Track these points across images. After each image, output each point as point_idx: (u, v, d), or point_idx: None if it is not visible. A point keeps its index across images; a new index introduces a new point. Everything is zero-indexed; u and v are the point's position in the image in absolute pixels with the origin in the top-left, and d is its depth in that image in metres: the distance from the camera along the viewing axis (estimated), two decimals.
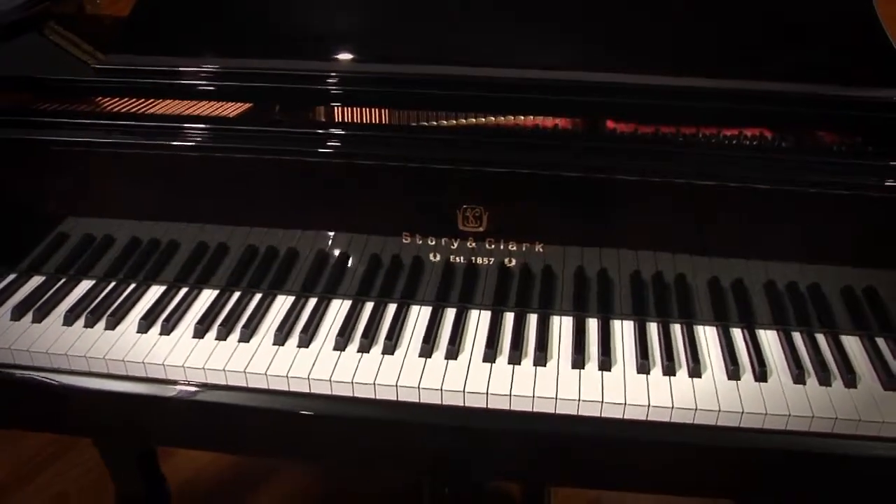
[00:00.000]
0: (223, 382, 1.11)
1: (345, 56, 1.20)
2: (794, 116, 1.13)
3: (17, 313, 1.20)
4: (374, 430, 1.10)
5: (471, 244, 1.15)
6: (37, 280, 1.28)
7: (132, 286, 1.25)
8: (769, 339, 1.15)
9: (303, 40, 1.22)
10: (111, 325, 1.18)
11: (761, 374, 1.07)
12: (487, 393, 1.06)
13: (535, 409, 1.06)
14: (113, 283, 1.26)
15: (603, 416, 1.05)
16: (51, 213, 1.25)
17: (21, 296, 1.24)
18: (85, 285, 1.26)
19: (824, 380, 1.07)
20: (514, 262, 1.16)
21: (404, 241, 1.16)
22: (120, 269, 1.26)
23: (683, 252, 1.13)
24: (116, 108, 1.20)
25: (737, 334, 1.15)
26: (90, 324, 1.18)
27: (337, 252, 1.19)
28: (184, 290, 1.24)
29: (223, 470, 2.00)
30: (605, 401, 1.04)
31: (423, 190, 1.13)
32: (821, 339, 1.14)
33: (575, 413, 1.05)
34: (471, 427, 1.07)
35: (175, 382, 1.11)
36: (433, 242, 1.16)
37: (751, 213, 1.09)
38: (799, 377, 1.07)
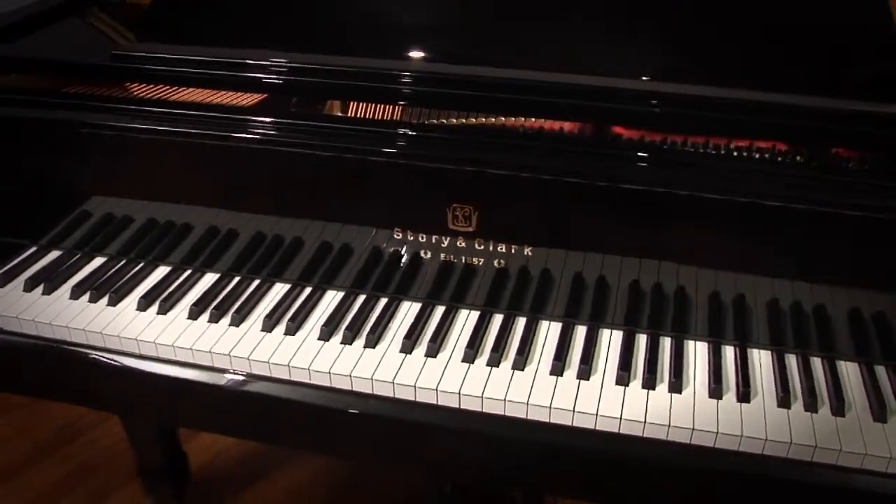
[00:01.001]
0: (208, 364, 1.14)
1: (348, 52, 1.21)
2: (804, 130, 1.08)
3: (30, 285, 1.26)
4: (350, 421, 1.11)
5: (461, 243, 1.15)
6: (54, 254, 1.34)
7: (140, 265, 1.30)
8: (761, 360, 1.11)
9: (305, 34, 1.24)
10: (113, 302, 1.22)
11: (744, 395, 1.04)
12: (460, 393, 1.06)
13: (506, 413, 1.05)
14: (123, 262, 1.31)
15: (574, 425, 1.03)
16: (76, 192, 1.30)
17: (36, 268, 1.30)
18: (97, 262, 1.32)
19: (810, 405, 1.02)
20: (503, 263, 1.15)
21: (396, 236, 1.17)
22: (132, 249, 1.31)
23: (683, 263, 1.10)
24: (136, 94, 1.25)
25: (728, 352, 1.12)
26: (94, 299, 1.23)
27: (333, 243, 1.20)
28: (187, 273, 1.28)
29: (244, 452, 2.05)
30: (576, 410, 1.02)
31: (414, 186, 1.13)
32: (816, 363, 1.10)
33: (546, 420, 1.04)
34: (445, 426, 1.07)
35: (164, 360, 1.15)
36: (424, 240, 1.16)
37: (759, 230, 1.05)
38: (784, 401, 1.03)
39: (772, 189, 1.03)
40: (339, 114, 1.19)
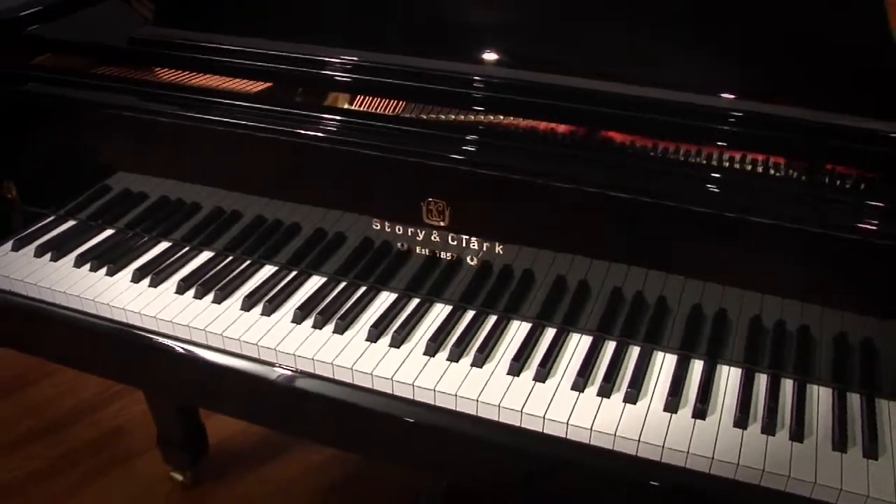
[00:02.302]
0: (186, 337, 1.18)
1: (347, 44, 1.23)
2: (787, 143, 1.03)
3: (41, 251, 1.33)
4: (309, 402, 1.13)
5: (435, 237, 1.16)
6: (69, 224, 1.41)
7: (144, 240, 1.36)
8: (729, 377, 1.07)
9: (302, 26, 1.27)
10: (111, 272, 1.29)
11: (699, 411, 1.01)
12: (413, 385, 1.06)
13: (457, 409, 1.05)
14: (129, 235, 1.38)
15: (522, 426, 1.02)
16: (102, 167, 1.37)
17: (50, 236, 1.38)
18: (105, 234, 1.39)
19: (768, 427, 0.98)
20: (475, 260, 1.15)
21: (374, 226, 1.19)
22: (140, 223, 1.38)
23: (669, 272, 1.06)
24: (155, 78, 1.30)
25: (696, 366, 1.09)
26: (95, 268, 1.30)
27: (321, 230, 1.23)
28: (185, 249, 1.34)
29: (263, 433, 2.11)
30: (524, 411, 1.02)
31: (390, 179, 1.15)
32: (787, 384, 1.05)
33: (495, 419, 1.04)
34: (399, 417, 1.08)
35: (146, 331, 1.21)
36: (400, 231, 1.17)
37: (751, 244, 1.01)
38: (740, 421, 0.99)
39: (761, 204, 0.99)
40: (327, 105, 1.21)
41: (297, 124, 1.18)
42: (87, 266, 1.30)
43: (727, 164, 1.03)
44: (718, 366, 1.09)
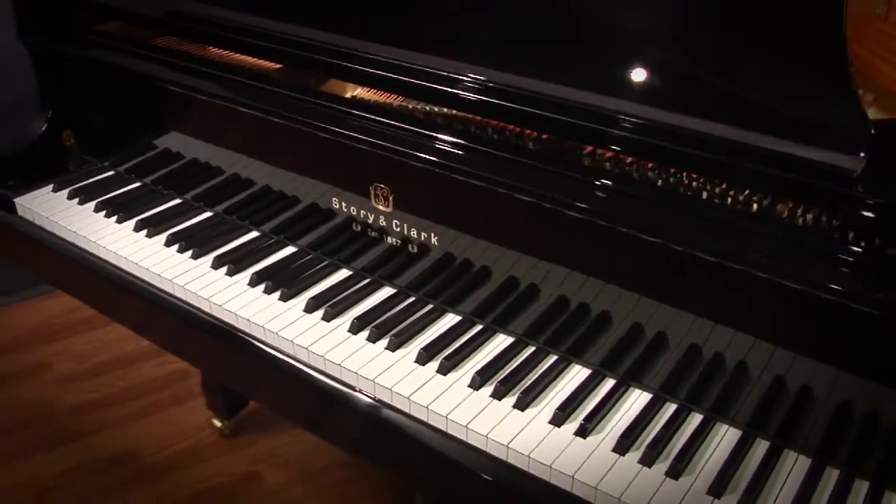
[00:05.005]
0: (157, 284, 1.29)
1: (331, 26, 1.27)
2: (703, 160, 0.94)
3: (73, 194, 1.49)
4: (240, 357, 1.21)
5: (382, 222, 1.18)
6: (108, 173, 1.57)
7: (159, 195, 1.49)
8: (636, 402, 1.02)
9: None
10: (121, 220, 1.42)
11: (581, 429, 0.97)
12: (324, 357, 1.10)
13: (359, 386, 1.07)
14: (149, 189, 1.51)
15: (409, 412, 1.03)
16: (158, 127, 1.49)
17: (86, 182, 1.54)
18: (131, 186, 1.53)
19: (646, 458, 0.93)
20: (415, 249, 1.17)
21: (334, 205, 1.23)
22: (164, 181, 1.50)
23: (617, 286, 1.02)
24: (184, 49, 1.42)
25: (605, 384, 1.04)
26: (108, 215, 1.43)
27: (311, 204, 1.28)
28: (190, 208, 1.45)
29: None
30: (411, 399, 1.02)
31: (343, 160, 1.18)
32: (694, 418, 0.99)
33: (388, 401, 1.05)
34: (302, 378, 1.12)
35: (126, 273, 1.33)
36: (354, 212, 1.21)
37: (704, 276, 0.95)
38: (620, 447, 0.95)
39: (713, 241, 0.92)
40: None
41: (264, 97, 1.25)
42: (103, 213, 1.44)
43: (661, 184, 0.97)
44: (631, 389, 1.04)
